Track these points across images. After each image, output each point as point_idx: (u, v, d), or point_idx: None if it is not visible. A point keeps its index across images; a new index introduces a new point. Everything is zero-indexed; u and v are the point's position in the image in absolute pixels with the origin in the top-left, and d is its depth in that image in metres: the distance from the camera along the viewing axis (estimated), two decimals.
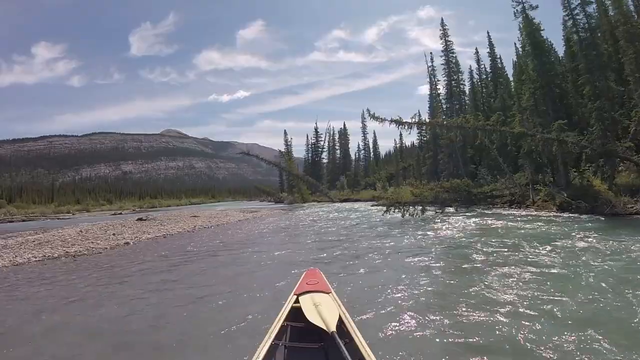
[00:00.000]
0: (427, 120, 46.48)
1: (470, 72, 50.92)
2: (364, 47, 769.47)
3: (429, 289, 7.65)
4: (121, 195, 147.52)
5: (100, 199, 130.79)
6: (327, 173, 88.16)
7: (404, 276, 8.71)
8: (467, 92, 50.54)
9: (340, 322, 4.20)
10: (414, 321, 5.80)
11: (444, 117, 46.59)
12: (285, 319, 4.45)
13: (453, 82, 48.85)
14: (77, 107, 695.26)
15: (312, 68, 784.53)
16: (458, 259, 10.51)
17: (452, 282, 8.27)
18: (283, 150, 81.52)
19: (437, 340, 5.15)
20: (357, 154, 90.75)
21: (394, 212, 25.34)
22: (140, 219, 33.87)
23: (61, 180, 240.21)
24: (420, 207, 25.27)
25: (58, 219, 60.95)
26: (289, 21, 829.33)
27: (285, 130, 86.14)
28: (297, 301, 4.79)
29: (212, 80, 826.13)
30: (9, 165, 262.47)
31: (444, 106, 49.98)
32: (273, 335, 3.97)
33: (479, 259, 10.14)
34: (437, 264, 9.99)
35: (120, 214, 67.14)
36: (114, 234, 21.19)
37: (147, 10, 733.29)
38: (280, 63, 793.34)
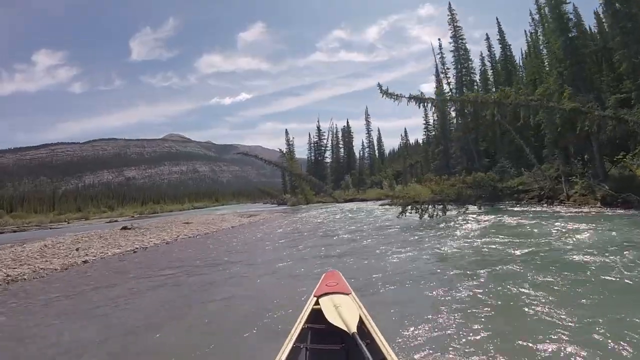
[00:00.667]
0: (452, 96, 43.28)
1: (482, 58, 47.27)
2: (365, 47, 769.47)
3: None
4: (124, 201, 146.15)
5: (102, 205, 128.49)
6: (330, 173, 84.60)
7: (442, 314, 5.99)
8: (478, 81, 46.82)
9: (361, 323, 4.10)
10: None
11: (453, 107, 43.42)
12: (306, 321, 4.36)
13: (464, 69, 45.55)
14: (79, 114, 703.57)
15: (314, 68, 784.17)
16: (508, 280, 7.40)
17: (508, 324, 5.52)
18: (285, 150, 78.12)
19: None
20: (361, 152, 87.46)
21: (410, 212, 21.62)
22: (125, 228, 31.05)
23: (64, 188, 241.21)
24: (441, 206, 21.52)
25: (51, 228, 58.87)
26: (289, 22, 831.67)
27: (286, 130, 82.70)
28: (317, 303, 4.68)
29: (213, 83, 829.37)
30: (12, 174, 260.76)
31: (455, 94, 46.33)
32: (294, 338, 3.91)
33: (539, 281, 7.31)
34: (482, 294, 6.84)
35: (116, 221, 63.42)
36: (77, 249, 18.02)
37: (146, 14, 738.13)
38: (282, 64, 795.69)
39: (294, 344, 3.84)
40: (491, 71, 46.40)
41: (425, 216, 20.71)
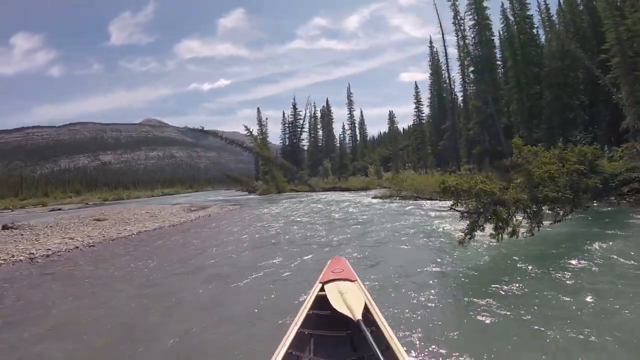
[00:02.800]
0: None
1: (503, 10, 36.06)
2: (346, 35, 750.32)
3: None
4: (95, 186, 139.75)
5: (68, 190, 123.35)
6: (308, 157, 73.83)
7: None
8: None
9: (366, 310, 4.06)
10: None
11: (472, 68, 32.61)
12: (311, 307, 4.32)
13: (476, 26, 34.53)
14: (57, 98, 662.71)
15: (292, 56, 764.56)
16: None
17: None
18: (256, 130, 65.75)
19: None
20: (341, 136, 76.47)
21: (462, 217, 9.11)
22: (5, 227, 21.58)
23: (39, 172, 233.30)
24: (533, 215, 9.49)
25: None
26: (270, 9, 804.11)
27: (258, 108, 70.86)
28: (322, 289, 4.62)
29: (192, 69, 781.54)
30: None
31: (471, 51, 35.33)
32: (299, 324, 3.91)
33: None
34: None
35: (60, 209, 55.94)
36: None
37: None
38: (261, 51, 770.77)
39: (299, 329, 3.81)
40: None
41: (504, 235, 8.82)
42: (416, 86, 57.80)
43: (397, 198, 27.50)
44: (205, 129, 64.45)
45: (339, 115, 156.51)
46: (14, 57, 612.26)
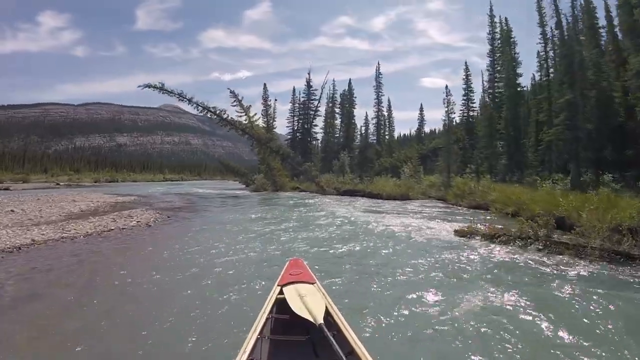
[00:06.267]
0: None
1: None
2: (370, 35, 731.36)
3: None
4: (104, 166, 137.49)
5: (68, 169, 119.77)
6: (322, 148, 57.66)
7: None
8: None
9: (327, 314, 3.82)
10: None
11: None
12: (270, 312, 4.06)
13: None
14: (79, 77, 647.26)
15: (316, 53, 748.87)
16: None
17: None
18: (261, 110, 49.49)
19: None
20: (363, 127, 59.08)
21: None
22: None
23: (54, 148, 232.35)
24: None
25: None
26: (296, 4, 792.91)
27: (265, 84, 55.12)
28: (281, 292, 4.35)
29: (215, 58, 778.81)
30: (2, 131, 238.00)
31: None
32: (258, 329, 3.62)
33: None
34: None
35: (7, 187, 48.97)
36: None
37: None
38: (284, 45, 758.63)
39: (259, 335, 3.55)
40: None
41: None
42: (446, 89, 41.56)
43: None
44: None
45: (359, 114, 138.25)
46: (40, 34, 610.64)
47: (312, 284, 4.47)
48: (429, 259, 8.93)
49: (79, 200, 26.10)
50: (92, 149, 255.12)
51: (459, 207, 21.71)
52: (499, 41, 39.32)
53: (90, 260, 9.00)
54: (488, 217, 16.44)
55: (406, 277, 7.57)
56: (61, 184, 70.71)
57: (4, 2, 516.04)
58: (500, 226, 11.52)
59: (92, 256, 9.38)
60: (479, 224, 12.54)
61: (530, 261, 8.64)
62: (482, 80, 43.86)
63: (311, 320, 3.60)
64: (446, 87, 34.86)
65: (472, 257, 9.12)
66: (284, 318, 4.04)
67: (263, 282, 6.73)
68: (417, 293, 6.40)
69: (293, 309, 3.83)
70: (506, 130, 33.60)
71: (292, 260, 5.35)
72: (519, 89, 35.53)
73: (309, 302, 3.88)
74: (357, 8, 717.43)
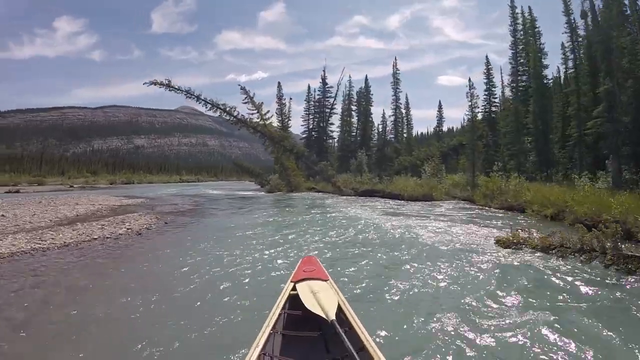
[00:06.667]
0: None
1: None
2: (385, 34, 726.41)
3: None
4: (122, 168, 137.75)
5: (84, 171, 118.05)
6: (338, 148, 55.39)
7: None
8: None
9: (339, 310, 3.83)
10: None
11: None
12: (283, 307, 4.07)
13: None
14: (96, 81, 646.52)
15: (330, 52, 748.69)
16: None
17: None
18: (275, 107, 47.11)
19: None
20: (380, 126, 56.06)
21: None
22: None
23: (72, 151, 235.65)
24: None
25: None
26: (310, 4, 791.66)
27: (279, 83, 53.27)
28: (294, 288, 4.35)
29: (230, 60, 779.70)
30: (22, 135, 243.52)
31: None
32: (271, 324, 3.63)
33: None
34: None
35: (17, 190, 48.10)
36: None
37: None
38: (299, 46, 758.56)
39: (271, 330, 3.57)
40: None
41: None
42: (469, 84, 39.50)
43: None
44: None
45: (375, 113, 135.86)
46: (56, 39, 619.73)
47: (325, 280, 4.46)
48: (468, 277, 7.15)
49: (82, 203, 24.65)
50: (110, 151, 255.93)
51: (489, 209, 19.60)
52: (521, 32, 37.42)
53: (48, 282, 7.23)
54: (524, 221, 14.52)
55: (444, 301, 5.81)
56: (75, 186, 69.71)
57: (20, 8, 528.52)
58: (549, 234, 9.49)
59: (53, 276, 7.57)
60: (520, 230, 10.56)
61: (604, 282, 6.66)
62: (501, 76, 42.74)
63: (323, 316, 3.61)
64: (469, 80, 32.33)
65: (523, 275, 7.24)
66: (296, 314, 4.03)
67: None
68: (456, 324, 4.94)
69: (306, 305, 3.83)
70: (534, 125, 31.42)
71: (306, 258, 5.38)
72: (545, 81, 33.52)
73: (322, 298, 3.89)
74: (371, 7, 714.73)
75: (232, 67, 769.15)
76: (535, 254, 8.64)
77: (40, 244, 10.25)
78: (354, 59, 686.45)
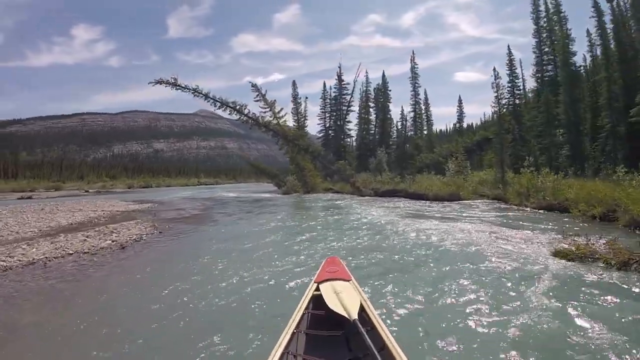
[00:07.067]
0: None
1: None
2: (401, 32, 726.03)
3: None
4: (141, 172, 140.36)
5: (103, 175, 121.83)
6: (356, 146, 53.43)
7: None
8: None
9: (362, 310, 3.75)
10: None
11: None
12: (306, 307, 4.04)
13: None
14: (114, 87, 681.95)
15: (346, 52, 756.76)
16: None
17: None
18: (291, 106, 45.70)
19: None
20: (399, 123, 53.54)
21: None
22: None
23: (92, 156, 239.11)
24: None
25: None
26: (325, 5, 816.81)
27: (294, 82, 51.63)
28: (317, 289, 4.28)
29: (246, 62, 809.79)
30: (42, 142, 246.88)
31: None
32: (294, 324, 3.58)
33: None
34: None
35: (29, 196, 46.66)
36: None
37: None
38: (315, 46, 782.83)
39: (294, 329, 3.53)
40: None
41: None
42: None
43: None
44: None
45: (393, 112, 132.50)
46: (74, 47, 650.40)
47: (348, 281, 4.39)
48: (524, 300, 5.37)
49: (86, 209, 23.30)
50: (129, 155, 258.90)
51: (526, 209, 17.53)
52: (544, 20, 35.48)
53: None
54: (570, 222, 12.62)
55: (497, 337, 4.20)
56: (90, 191, 69.38)
57: (37, 17, 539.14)
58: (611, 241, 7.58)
59: None
60: (575, 237, 8.70)
61: None
62: (521, 70, 40.95)
63: (346, 315, 3.54)
64: (494, 69, 30.13)
65: (597, 298, 5.38)
66: (319, 314, 3.99)
67: None
68: None
69: (328, 304, 3.78)
70: (566, 115, 29.33)
71: (329, 259, 5.28)
72: (573, 69, 31.80)
73: (344, 298, 3.82)
74: (385, 5, 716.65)
75: (248, 69, 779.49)
76: (610, 270, 6.71)
77: (3, 261, 8.64)
78: (370, 58, 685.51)
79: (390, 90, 52.42)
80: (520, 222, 12.97)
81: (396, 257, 8.51)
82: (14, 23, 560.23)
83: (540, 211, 16.41)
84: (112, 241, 11.00)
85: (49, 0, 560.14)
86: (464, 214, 16.12)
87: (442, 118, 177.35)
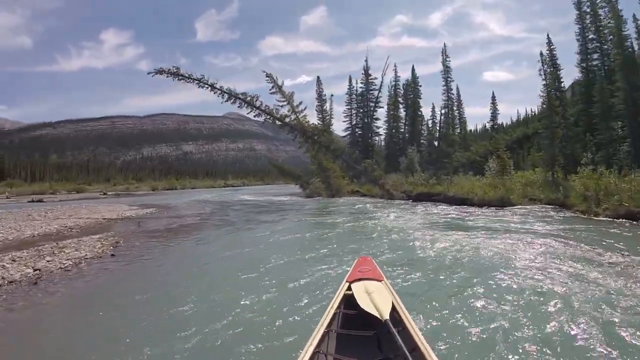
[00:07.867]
0: None
1: None
2: (429, 32, 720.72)
3: None
4: (168, 174, 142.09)
5: (130, 178, 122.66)
6: (385, 145, 49.75)
7: None
8: None
9: (393, 310, 3.65)
10: None
11: None
12: (338, 307, 3.94)
13: None
14: (144, 90, 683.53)
15: (374, 52, 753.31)
16: None
17: None
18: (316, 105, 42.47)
19: None
20: (430, 120, 49.20)
21: None
22: None
23: (122, 159, 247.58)
24: None
25: None
26: (351, 6, 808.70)
27: (318, 77, 48.60)
28: (349, 288, 4.18)
29: (275, 65, 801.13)
30: (73, 144, 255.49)
31: None
32: (326, 323, 3.52)
33: None
34: None
35: (40, 199, 44.85)
36: None
37: None
38: (342, 48, 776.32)
39: (326, 329, 3.47)
40: None
41: None
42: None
43: None
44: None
45: (423, 111, 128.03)
46: (103, 52, 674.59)
47: (380, 281, 4.26)
48: None
49: (84, 215, 21.97)
50: (159, 158, 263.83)
51: (598, 218, 13.73)
52: (587, 4, 31.87)
53: None
54: None
55: None
56: (109, 193, 68.43)
57: (66, 22, 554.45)
58: None
59: None
60: None
61: None
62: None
63: (377, 316, 3.44)
64: (540, 53, 26.31)
65: None
66: (351, 313, 3.89)
67: None
68: None
69: (360, 304, 3.70)
70: (625, 105, 25.52)
71: (361, 258, 5.10)
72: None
73: (376, 298, 3.72)
74: (412, 6, 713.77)
75: (276, 72, 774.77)
76: None
77: None
78: (398, 59, 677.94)
79: (420, 86, 48.59)
80: (605, 239, 9.38)
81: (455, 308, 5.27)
82: (44, 28, 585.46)
83: (617, 220, 12.68)
84: (35, 270, 7.73)
85: (78, 6, 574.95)
86: (526, 226, 12.30)
87: (471, 118, 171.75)
